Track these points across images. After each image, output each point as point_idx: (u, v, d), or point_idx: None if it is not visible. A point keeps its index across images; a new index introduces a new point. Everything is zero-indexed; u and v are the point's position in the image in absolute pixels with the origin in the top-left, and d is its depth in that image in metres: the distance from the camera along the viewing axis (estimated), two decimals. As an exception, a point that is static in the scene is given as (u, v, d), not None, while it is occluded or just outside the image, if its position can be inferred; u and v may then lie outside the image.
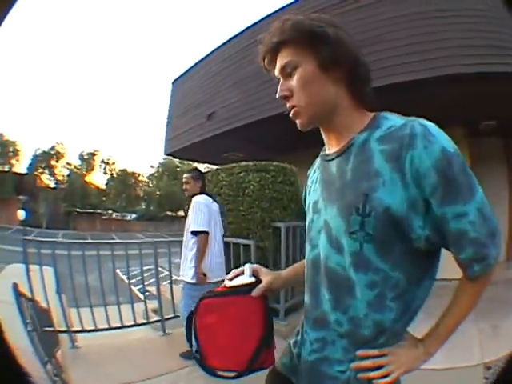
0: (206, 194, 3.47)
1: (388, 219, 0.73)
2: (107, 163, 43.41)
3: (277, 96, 0.87)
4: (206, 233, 3.25)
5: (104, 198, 41.49)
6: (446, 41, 4.62)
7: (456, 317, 0.83)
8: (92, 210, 40.41)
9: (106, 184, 43.10)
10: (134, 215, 42.33)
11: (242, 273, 1.05)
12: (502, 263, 6.09)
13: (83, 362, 3.30)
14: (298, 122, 0.88)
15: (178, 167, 43.50)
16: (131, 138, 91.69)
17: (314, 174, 1.01)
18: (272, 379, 1.15)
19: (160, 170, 44.96)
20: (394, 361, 0.81)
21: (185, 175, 3.53)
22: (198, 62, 9.04)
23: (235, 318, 0.97)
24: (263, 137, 7.65)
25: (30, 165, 39.87)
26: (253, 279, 1.02)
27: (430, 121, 0.76)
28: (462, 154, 0.72)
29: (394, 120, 0.78)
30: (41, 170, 40.77)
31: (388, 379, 0.80)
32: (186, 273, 3.24)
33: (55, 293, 3.65)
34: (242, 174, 4.59)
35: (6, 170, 36.22)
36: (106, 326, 3.78)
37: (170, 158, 43.73)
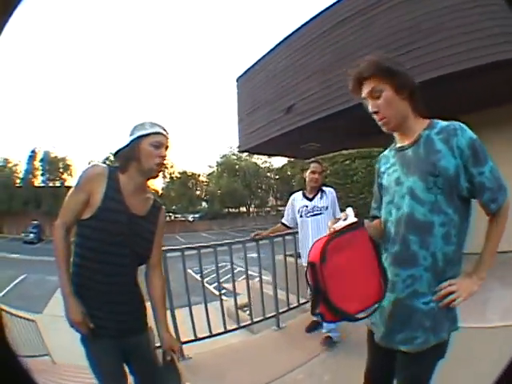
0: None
1: (448, 177, 1.22)
2: (165, 167, 44.84)
3: (370, 111, 1.33)
4: None
5: (165, 201, 42.78)
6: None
7: (491, 247, 1.28)
8: (153, 215, 41.28)
9: (166, 187, 44.43)
10: (196, 215, 43.22)
11: (340, 219, 1.28)
12: None
13: (205, 373, 3.02)
14: (385, 128, 1.34)
15: (237, 164, 44.46)
16: (185, 140, 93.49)
17: (387, 164, 1.46)
18: (371, 336, 1.49)
19: (219, 168, 45.80)
20: (459, 288, 1.24)
21: (317, 165, 3.64)
22: (264, 56, 9.06)
23: (360, 252, 1.25)
24: (343, 126, 7.51)
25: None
26: (355, 219, 1.26)
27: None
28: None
29: (441, 122, 1.30)
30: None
31: (458, 301, 1.24)
32: None
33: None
34: (347, 162, 4.63)
35: (58, 185, 36.62)
36: (223, 330, 3.64)
37: (227, 156, 44.82)
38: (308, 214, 3.59)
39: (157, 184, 46.77)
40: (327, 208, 3.55)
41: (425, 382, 1.36)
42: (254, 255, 4.00)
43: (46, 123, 75.13)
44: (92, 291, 1.59)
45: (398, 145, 1.41)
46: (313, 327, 3.78)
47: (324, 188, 3.66)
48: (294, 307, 4.26)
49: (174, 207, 43.29)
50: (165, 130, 1.69)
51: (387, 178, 1.43)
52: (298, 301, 4.32)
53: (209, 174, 47.16)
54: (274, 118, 8.33)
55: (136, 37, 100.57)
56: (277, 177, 46.62)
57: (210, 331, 3.55)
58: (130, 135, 1.65)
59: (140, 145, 1.62)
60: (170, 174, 44.77)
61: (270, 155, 15.05)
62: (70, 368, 2.72)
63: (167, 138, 1.69)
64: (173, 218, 43.38)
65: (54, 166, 37.58)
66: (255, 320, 3.95)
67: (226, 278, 7.30)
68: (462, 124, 1.25)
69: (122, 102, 68.74)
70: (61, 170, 38.09)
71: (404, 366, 1.38)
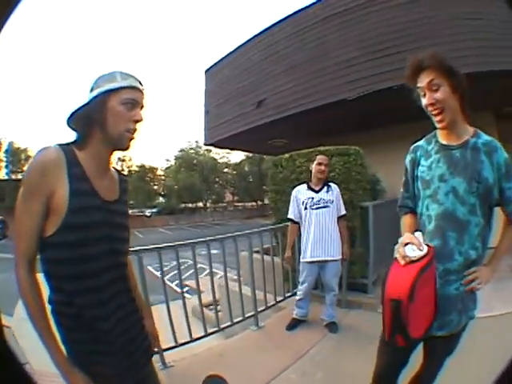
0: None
1: (487, 186, 1.38)
2: (123, 160, 42.81)
3: (426, 103, 1.38)
4: None
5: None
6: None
7: (504, 247, 1.50)
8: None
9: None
10: (153, 210, 41.82)
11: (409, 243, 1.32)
12: None
13: (192, 382, 2.51)
14: (440, 125, 1.41)
15: (195, 159, 43.54)
16: (143, 133, 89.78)
17: (430, 158, 1.51)
18: None
19: (177, 163, 44.50)
20: (481, 275, 1.41)
21: (324, 158, 3.63)
22: (236, 49, 8.88)
23: (433, 283, 1.33)
24: (313, 123, 7.59)
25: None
26: (426, 247, 1.29)
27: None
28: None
29: (484, 135, 1.46)
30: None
31: (480, 286, 1.41)
32: (338, 252, 3.53)
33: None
34: (324, 159, 4.56)
35: (20, 177, 34.87)
36: (203, 334, 3.39)
37: (186, 150, 43.71)
38: (313, 206, 3.54)
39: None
40: (333, 202, 3.55)
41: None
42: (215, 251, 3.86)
43: (9, 112, 70.18)
44: (85, 334, 1.13)
45: (444, 142, 1.50)
46: (293, 325, 3.74)
47: (329, 183, 3.66)
48: (272, 305, 4.18)
49: (131, 202, 41.82)
50: (141, 83, 1.19)
51: (429, 173, 1.51)
52: (275, 299, 4.25)
53: (166, 168, 45.88)
54: (243, 111, 8.18)
55: (100, 25, 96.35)
56: (234, 172, 46.29)
57: (191, 336, 3.27)
58: (91, 90, 1.14)
59: (107, 103, 1.11)
60: (128, 167, 43.01)
61: (234, 149, 14.86)
62: (49, 376, 2.36)
63: (143, 95, 1.19)
64: (130, 213, 41.85)
65: (16, 157, 35.28)
66: (235, 321, 3.70)
67: (187, 275, 7.28)
68: (499, 143, 1.44)
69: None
70: (22, 162, 35.27)
71: (440, 349, 1.56)
